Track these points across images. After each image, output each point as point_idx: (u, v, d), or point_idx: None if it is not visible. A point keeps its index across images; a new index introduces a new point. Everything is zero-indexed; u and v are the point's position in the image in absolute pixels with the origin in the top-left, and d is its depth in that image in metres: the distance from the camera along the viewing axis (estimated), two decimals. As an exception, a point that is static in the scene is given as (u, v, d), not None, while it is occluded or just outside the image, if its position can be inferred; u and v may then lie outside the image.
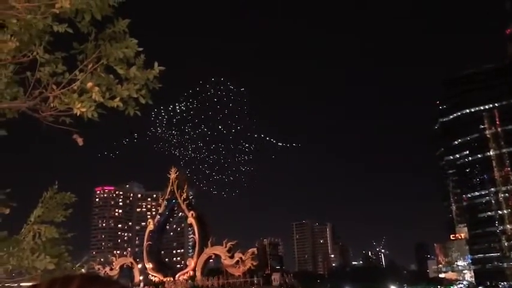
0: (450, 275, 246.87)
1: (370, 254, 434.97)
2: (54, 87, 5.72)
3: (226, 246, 36.33)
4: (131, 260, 42.88)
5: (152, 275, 41.73)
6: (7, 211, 7.14)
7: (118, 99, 5.75)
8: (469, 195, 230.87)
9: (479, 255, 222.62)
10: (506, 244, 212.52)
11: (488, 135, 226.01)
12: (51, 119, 5.85)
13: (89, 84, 5.56)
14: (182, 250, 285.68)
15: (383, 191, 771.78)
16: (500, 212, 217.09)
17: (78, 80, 5.66)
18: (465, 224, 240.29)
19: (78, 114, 5.58)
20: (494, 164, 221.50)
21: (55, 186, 7.50)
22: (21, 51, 5.72)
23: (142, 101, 6.00)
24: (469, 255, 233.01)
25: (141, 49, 5.80)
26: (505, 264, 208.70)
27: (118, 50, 5.65)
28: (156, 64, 5.99)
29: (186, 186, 43.27)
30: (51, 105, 5.72)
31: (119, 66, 5.74)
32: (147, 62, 6.07)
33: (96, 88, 5.55)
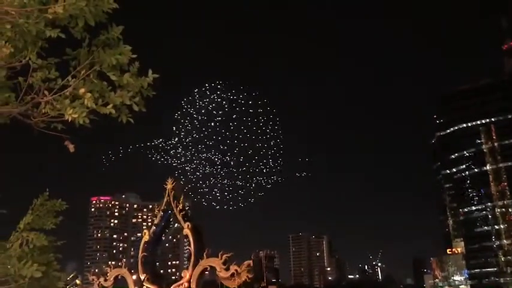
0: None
1: (366, 268, 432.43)
2: (46, 92, 5.69)
3: (221, 258, 35.93)
4: (126, 271, 42.44)
5: (147, 287, 41.20)
6: (-4, 218, 7.05)
7: (111, 106, 5.70)
8: (466, 210, 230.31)
9: (476, 270, 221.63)
10: (503, 259, 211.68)
11: (485, 150, 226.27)
12: (43, 125, 5.81)
13: (81, 91, 5.52)
14: (177, 262, 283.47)
15: (380, 204, 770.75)
16: (496, 226, 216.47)
17: (71, 86, 5.62)
18: (462, 239, 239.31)
19: (69, 121, 5.54)
20: (491, 179, 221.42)
21: (46, 193, 7.42)
22: (14, 57, 5.69)
23: (136, 108, 5.96)
24: (465, 270, 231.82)
25: (135, 56, 5.77)
26: (502, 279, 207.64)
27: (111, 57, 5.62)
28: (150, 72, 5.96)
29: (182, 197, 42.97)
30: (43, 111, 5.68)
31: (112, 73, 5.71)
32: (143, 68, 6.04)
33: (89, 94, 5.51)
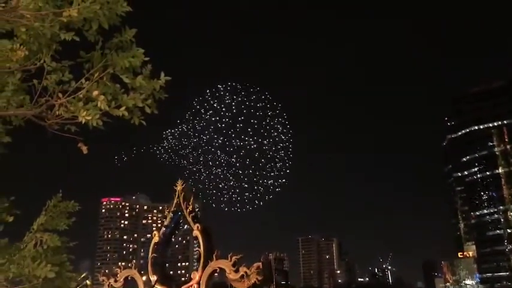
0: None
1: (376, 271, 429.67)
2: (60, 95, 5.75)
3: (231, 260, 35.98)
4: (135, 272, 42.64)
5: (156, 288, 41.66)
6: (10, 219, 7.14)
7: (123, 108, 5.75)
8: (477, 213, 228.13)
9: (487, 274, 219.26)
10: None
11: (497, 153, 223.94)
12: (57, 127, 5.87)
13: (95, 93, 5.57)
14: (187, 263, 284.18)
15: (390, 207, 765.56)
16: (509, 230, 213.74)
17: (84, 88, 5.68)
18: (473, 242, 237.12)
19: (83, 123, 5.59)
20: (503, 182, 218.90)
21: (59, 195, 7.50)
22: (29, 59, 5.77)
23: (148, 110, 6.01)
24: (477, 274, 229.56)
25: (147, 59, 5.82)
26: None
27: (124, 59, 5.67)
28: (162, 74, 6.00)
29: (192, 199, 43.07)
30: (57, 113, 5.74)
31: (125, 76, 5.76)
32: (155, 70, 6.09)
33: (102, 97, 5.55)
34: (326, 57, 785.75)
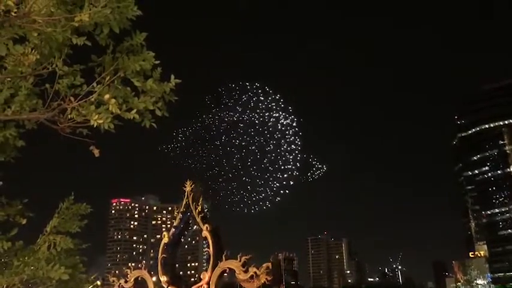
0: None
1: (386, 271, 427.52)
2: (72, 99, 5.81)
3: (240, 260, 36.01)
4: (146, 272, 42.85)
5: (166, 288, 41.80)
6: (24, 221, 7.23)
7: (134, 111, 5.81)
8: (489, 212, 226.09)
9: (499, 273, 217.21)
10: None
11: (508, 151, 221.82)
12: (69, 130, 5.93)
13: (106, 96, 5.63)
14: (196, 263, 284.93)
15: (400, 207, 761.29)
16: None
17: (96, 92, 5.74)
18: (484, 242, 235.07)
19: (95, 126, 5.65)
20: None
21: (71, 197, 7.57)
22: (41, 64, 5.84)
23: (159, 113, 6.05)
24: (489, 274, 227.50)
25: (157, 62, 5.87)
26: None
27: (135, 63, 5.72)
28: (172, 77, 6.05)
29: (201, 199, 43.20)
30: (69, 116, 5.80)
31: (136, 79, 5.81)
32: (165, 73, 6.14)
33: (113, 100, 5.61)
34: (334, 59, 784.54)
